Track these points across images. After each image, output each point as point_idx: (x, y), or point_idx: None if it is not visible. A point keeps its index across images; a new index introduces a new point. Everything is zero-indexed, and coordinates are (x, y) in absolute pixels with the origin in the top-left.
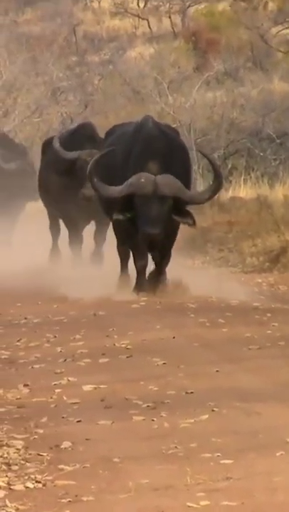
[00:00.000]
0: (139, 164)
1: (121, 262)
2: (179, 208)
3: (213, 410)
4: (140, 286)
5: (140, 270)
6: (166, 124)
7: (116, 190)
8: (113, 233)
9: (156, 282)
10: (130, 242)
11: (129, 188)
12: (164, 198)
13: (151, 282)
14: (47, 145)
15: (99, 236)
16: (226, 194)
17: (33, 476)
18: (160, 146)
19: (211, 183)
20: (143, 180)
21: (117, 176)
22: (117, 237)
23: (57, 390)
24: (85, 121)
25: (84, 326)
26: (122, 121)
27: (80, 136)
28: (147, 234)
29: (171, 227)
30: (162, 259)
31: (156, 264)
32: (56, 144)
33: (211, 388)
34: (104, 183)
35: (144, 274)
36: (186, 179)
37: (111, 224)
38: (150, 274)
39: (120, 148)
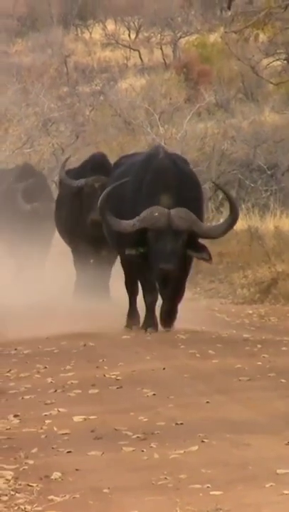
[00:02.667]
0: (151, 197)
1: (129, 297)
2: (193, 243)
3: (203, 441)
4: (149, 322)
5: (150, 306)
6: (176, 154)
7: (129, 225)
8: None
9: (167, 319)
10: (140, 278)
11: (142, 222)
12: (178, 232)
13: (162, 319)
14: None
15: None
16: None
17: (22, 507)
18: (172, 178)
19: (228, 216)
20: (157, 214)
21: (127, 209)
22: (125, 273)
23: (47, 421)
24: (96, 152)
25: (74, 356)
26: (113, 152)
27: (91, 166)
28: (162, 270)
29: (185, 262)
30: (174, 296)
31: (164, 300)
32: (62, 174)
33: (201, 419)
34: (113, 215)
35: (154, 310)
36: (198, 212)
37: (119, 258)
38: (161, 310)
39: (130, 180)
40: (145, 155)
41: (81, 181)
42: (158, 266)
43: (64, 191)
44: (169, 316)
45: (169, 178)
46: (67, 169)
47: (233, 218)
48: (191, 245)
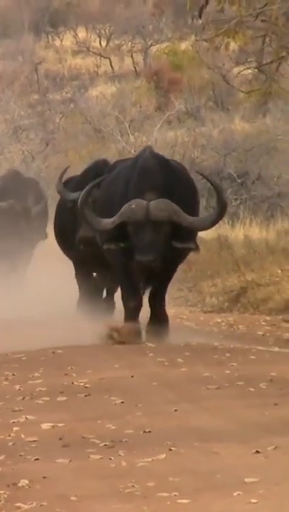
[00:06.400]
0: (135, 195)
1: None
2: (179, 234)
3: (170, 449)
4: (132, 328)
5: (132, 312)
6: (171, 158)
7: (109, 222)
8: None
9: (157, 326)
10: (124, 280)
11: (121, 216)
12: (158, 223)
13: (150, 326)
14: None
15: (111, 283)
16: None
17: None
18: (157, 176)
19: (215, 207)
20: (134, 206)
21: (116, 211)
22: (120, 281)
23: (15, 428)
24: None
25: (43, 364)
26: (83, 160)
27: (94, 175)
28: (141, 262)
29: (170, 261)
30: (157, 299)
31: (151, 305)
32: (60, 186)
33: (169, 427)
34: (104, 218)
35: (136, 317)
36: (189, 209)
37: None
38: (149, 318)
39: (119, 183)
40: (133, 157)
41: (75, 195)
42: (136, 258)
43: (62, 202)
44: (157, 322)
45: (154, 175)
46: (68, 178)
47: (220, 209)
48: (176, 236)
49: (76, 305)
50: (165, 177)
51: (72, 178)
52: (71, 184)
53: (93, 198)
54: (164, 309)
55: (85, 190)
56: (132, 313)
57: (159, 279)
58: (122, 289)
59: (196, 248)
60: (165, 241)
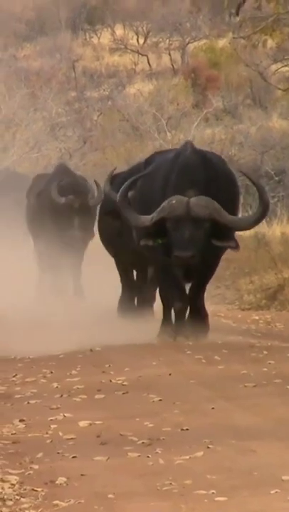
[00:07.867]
0: (175, 192)
1: (164, 308)
2: (219, 233)
3: (208, 447)
4: (179, 329)
5: (179, 312)
6: (211, 152)
7: (147, 219)
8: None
9: (196, 323)
10: (169, 280)
11: (161, 212)
12: (198, 219)
13: (190, 324)
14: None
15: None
16: None
17: None
18: (198, 174)
19: (257, 206)
20: (175, 202)
21: (155, 207)
22: (160, 280)
23: (52, 426)
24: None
25: (80, 361)
26: (120, 158)
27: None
28: (180, 258)
29: (210, 260)
30: (196, 296)
31: (191, 302)
32: (107, 188)
33: (206, 425)
34: (142, 214)
35: (184, 316)
36: (229, 207)
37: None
38: (188, 315)
39: (158, 178)
40: (174, 152)
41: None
42: (175, 254)
43: (108, 202)
44: (196, 320)
45: (194, 173)
46: (114, 175)
47: (263, 209)
48: (216, 234)
49: (118, 303)
50: (207, 174)
51: (118, 175)
52: (117, 182)
53: (131, 196)
54: (204, 306)
55: (123, 186)
56: (180, 312)
57: (199, 276)
58: (161, 288)
59: (236, 247)
60: (205, 238)
